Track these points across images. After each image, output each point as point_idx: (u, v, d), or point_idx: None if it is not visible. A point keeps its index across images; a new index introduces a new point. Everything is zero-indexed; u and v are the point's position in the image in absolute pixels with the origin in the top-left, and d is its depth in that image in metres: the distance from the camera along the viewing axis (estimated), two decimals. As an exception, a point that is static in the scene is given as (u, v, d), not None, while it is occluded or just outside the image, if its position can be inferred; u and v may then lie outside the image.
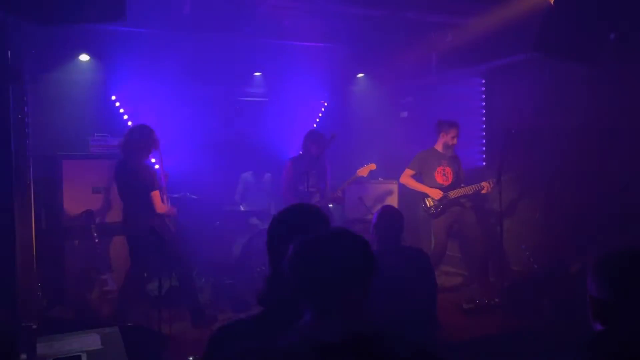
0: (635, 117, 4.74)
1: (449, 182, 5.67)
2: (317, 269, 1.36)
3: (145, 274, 4.84)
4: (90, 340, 2.84)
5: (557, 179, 5.47)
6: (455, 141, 5.64)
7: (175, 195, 5.80)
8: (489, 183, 5.42)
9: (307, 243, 1.41)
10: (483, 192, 5.52)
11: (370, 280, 1.39)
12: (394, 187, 6.80)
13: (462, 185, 5.68)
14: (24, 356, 1.35)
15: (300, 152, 5.84)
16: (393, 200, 6.71)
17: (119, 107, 6.70)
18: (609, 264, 1.62)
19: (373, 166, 5.87)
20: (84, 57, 5.93)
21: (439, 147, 5.73)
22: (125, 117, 6.74)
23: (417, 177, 5.79)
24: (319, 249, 1.39)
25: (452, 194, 5.62)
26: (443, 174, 5.68)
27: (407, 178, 5.80)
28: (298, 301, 1.38)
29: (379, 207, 3.67)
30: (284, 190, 5.76)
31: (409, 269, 3.15)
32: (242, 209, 6.35)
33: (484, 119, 6.58)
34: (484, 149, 6.58)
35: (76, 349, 2.70)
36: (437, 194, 5.60)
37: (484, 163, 6.53)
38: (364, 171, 5.77)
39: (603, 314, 1.58)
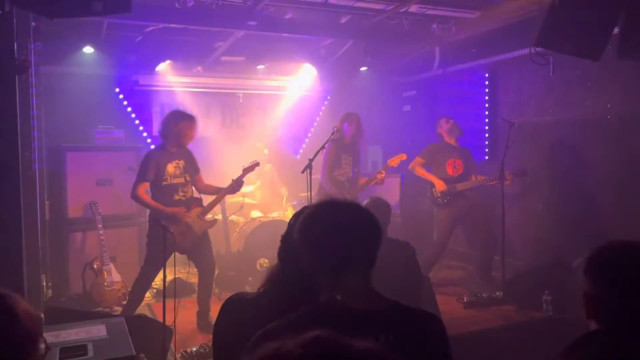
0: (639, 111, 4.74)
1: (458, 174, 5.68)
2: (325, 228, 1.42)
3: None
4: (96, 330, 2.86)
5: (560, 172, 5.48)
6: (454, 128, 5.69)
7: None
8: (495, 178, 5.38)
9: (316, 207, 1.51)
10: (493, 183, 5.44)
11: (377, 245, 1.44)
12: (397, 180, 6.81)
13: (473, 176, 5.67)
14: (42, 345, 1.36)
15: (337, 135, 5.32)
16: (395, 194, 6.73)
17: (122, 100, 6.72)
18: (604, 258, 1.48)
19: (404, 156, 5.61)
20: (89, 50, 5.93)
21: (449, 140, 5.77)
22: (129, 109, 6.76)
23: (427, 167, 5.81)
24: (327, 212, 1.47)
25: (460, 186, 5.62)
26: (454, 166, 5.70)
27: (416, 165, 5.82)
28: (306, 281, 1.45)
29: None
30: (324, 175, 5.43)
31: (395, 261, 3.14)
32: (244, 200, 6.37)
33: (488, 113, 6.57)
34: (487, 142, 6.59)
35: (82, 339, 2.73)
36: (441, 185, 5.61)
37: (487, 157, 6.54)
38: (394, 161, 5.54)
39: (598, 312, 1.46)
